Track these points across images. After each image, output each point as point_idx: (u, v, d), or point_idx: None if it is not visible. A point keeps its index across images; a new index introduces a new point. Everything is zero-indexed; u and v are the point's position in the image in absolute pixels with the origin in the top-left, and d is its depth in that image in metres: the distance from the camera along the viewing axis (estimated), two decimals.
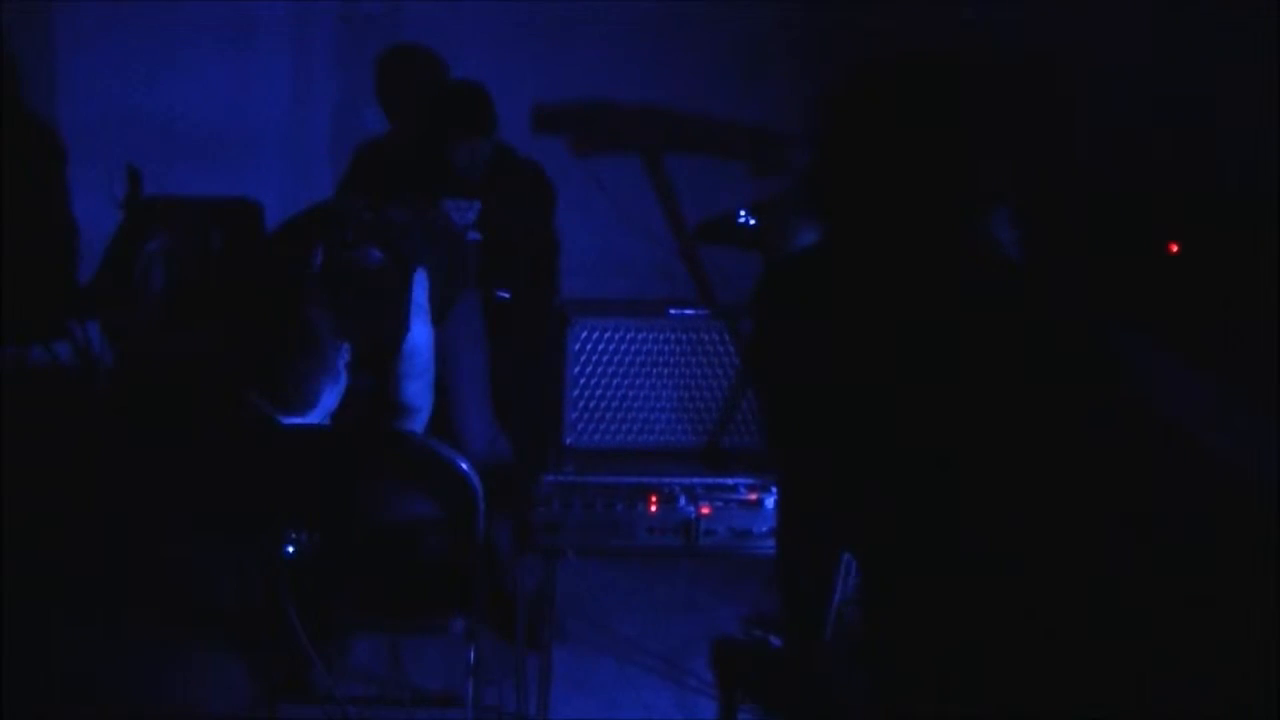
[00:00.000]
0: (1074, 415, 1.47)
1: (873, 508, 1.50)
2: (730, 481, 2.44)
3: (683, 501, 2.39)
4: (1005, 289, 1.48)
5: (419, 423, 2.63)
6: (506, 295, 3.67)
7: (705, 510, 2.36)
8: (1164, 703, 1.49)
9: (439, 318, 2.67)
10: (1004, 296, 1.48)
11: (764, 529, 2.35)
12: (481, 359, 2.93)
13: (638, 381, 3.66)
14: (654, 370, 3.68)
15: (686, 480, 2.46)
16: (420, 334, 2.58)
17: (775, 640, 1.86)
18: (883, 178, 1.48)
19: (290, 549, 2.39)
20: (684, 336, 3.70)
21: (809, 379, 1.52)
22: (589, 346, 3.65)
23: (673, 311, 3.76)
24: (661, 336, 3.69)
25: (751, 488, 2.41)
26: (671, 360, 3.69)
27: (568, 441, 3.64)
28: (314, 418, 2.36)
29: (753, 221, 3.95)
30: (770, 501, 2.37)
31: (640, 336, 3.68)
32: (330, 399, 2.38)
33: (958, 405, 1.43)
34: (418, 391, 2.61)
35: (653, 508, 2.38)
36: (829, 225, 1.55)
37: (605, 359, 3.66)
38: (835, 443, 1.51)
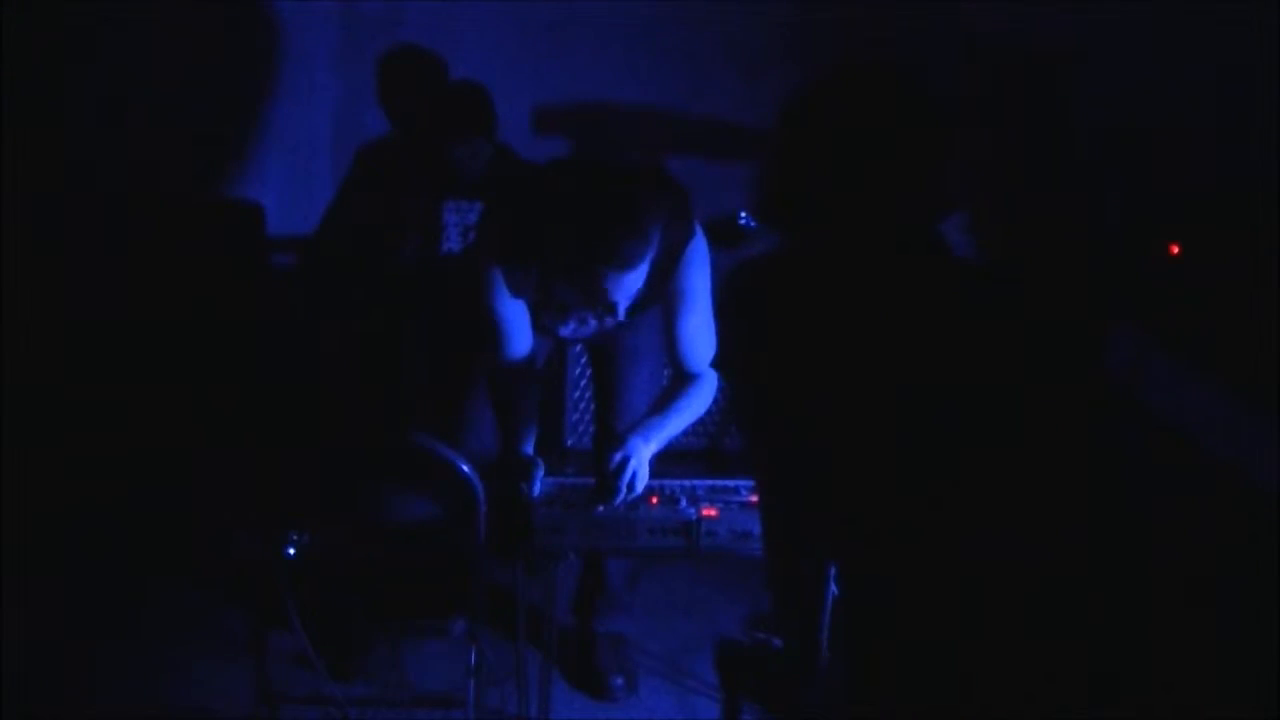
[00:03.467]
0: (1053, 413, 1.47)
1: (845, 506, 1.50)
2: (731, 483, 2.44)
3: (684, 503, 2.39)
4: (963, 290, 1.49)
5: None
6: None
7: (706, 512, 2.36)
8: (1164, 702, 1.49)
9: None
10: (963, 297, 1.48)
11: None
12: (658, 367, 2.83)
13: None
14: None
15: (688, 482, 2.46)
16: None
17: (777, 642, 1.86)
18: (832, 185, 1.49)
19: (291, 550, 2.39)
20: None
21: (778, 381, 1.52)
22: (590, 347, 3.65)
23: None
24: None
25: (753, 489, 2.41)
26: None
27: (568, 443, 3.63)
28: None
29: (753, 222, 3.95)
30: None
31: None
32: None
33: (920, 406, 1.44)
34: None
35: (653, 509, 2.38)
36: (784, 229, 1.55)
37: None
38: (807, 443, 1.51)
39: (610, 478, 2.40)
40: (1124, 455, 1.49)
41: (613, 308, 2.37)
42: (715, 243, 3.93)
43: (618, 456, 2.42)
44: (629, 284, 2.32)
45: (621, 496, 2.39)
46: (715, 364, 2.63)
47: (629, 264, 2.26)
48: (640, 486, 2.42)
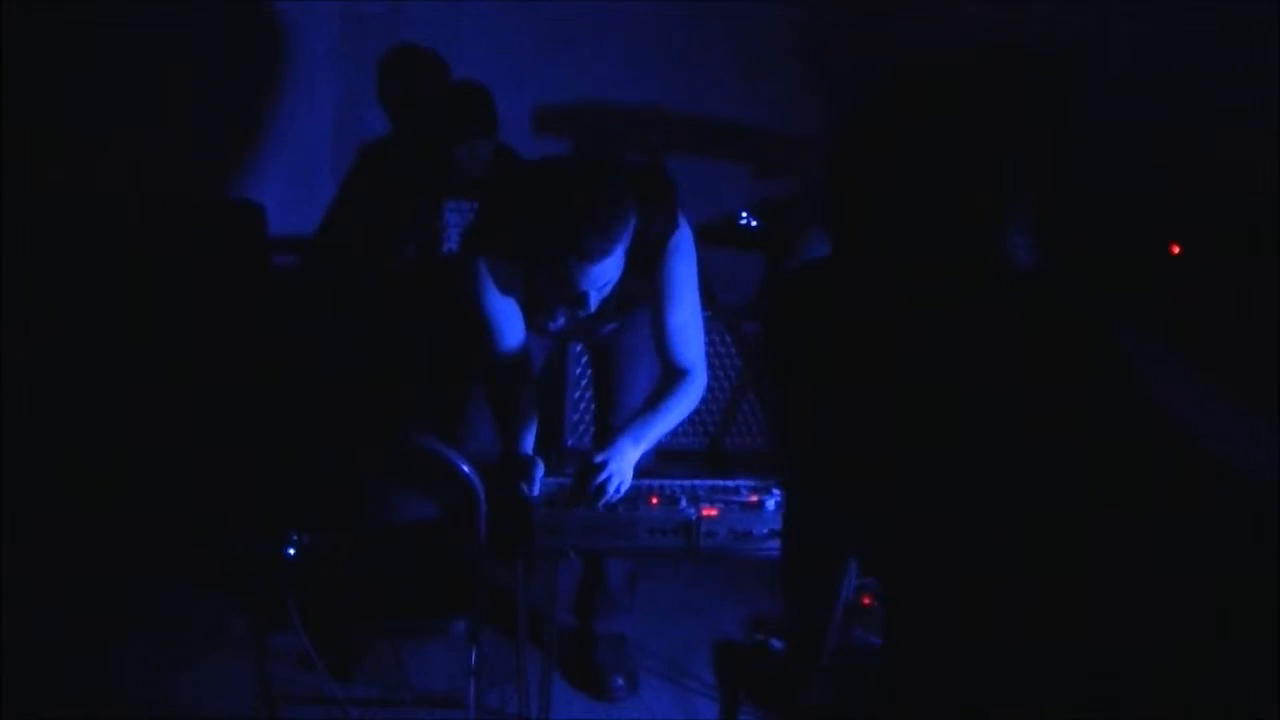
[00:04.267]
0: (1081, 418, 1.47)
1: (884, 510, 1.50)
2: (731, 483, 2.44)
3: (683, 503, 2.39)
4: (1016, 296, 1.49)
5: None
6: None
7: (706, 512, 2.36)
8: (1166, 703, 1.49)
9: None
10: (1014, 303, 1.48)
11: (764, 531, 2.35)
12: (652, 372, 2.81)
13: None
14: None
15: (687, 482, 2.46)
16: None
17: (777, 643, 1.87)
18: (897, 191, 1.48)
19: (291, 550, 2.39)
20: None
21: (826, 385, 1.52)
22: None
23: None
24: None
25: (753, 490, 2.41)
26: None
27: (568, 443, 3.63)
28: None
29: (754, 222, 3.95)
30: (771, 503, 2.37)
31: None
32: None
33: (967, 411, 1.44)
34: None
35: (653, 509, 2.38)
36: (841, 237, 1.55)
37: None
38: (853, 447, 1.51)
39: (583, 479, 2.40)
40: (1126, 455, 1.50)
41: (582, 299, 2.39)
42: (715, 243, 3.95)
43: (596, 459, 2.43)
44: (597, 275, 2.35)
45: (593, 498, 2.38)
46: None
47: (593, 255, 2.29)
48: (620, 489, 2.41)
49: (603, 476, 2.38)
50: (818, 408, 1.55)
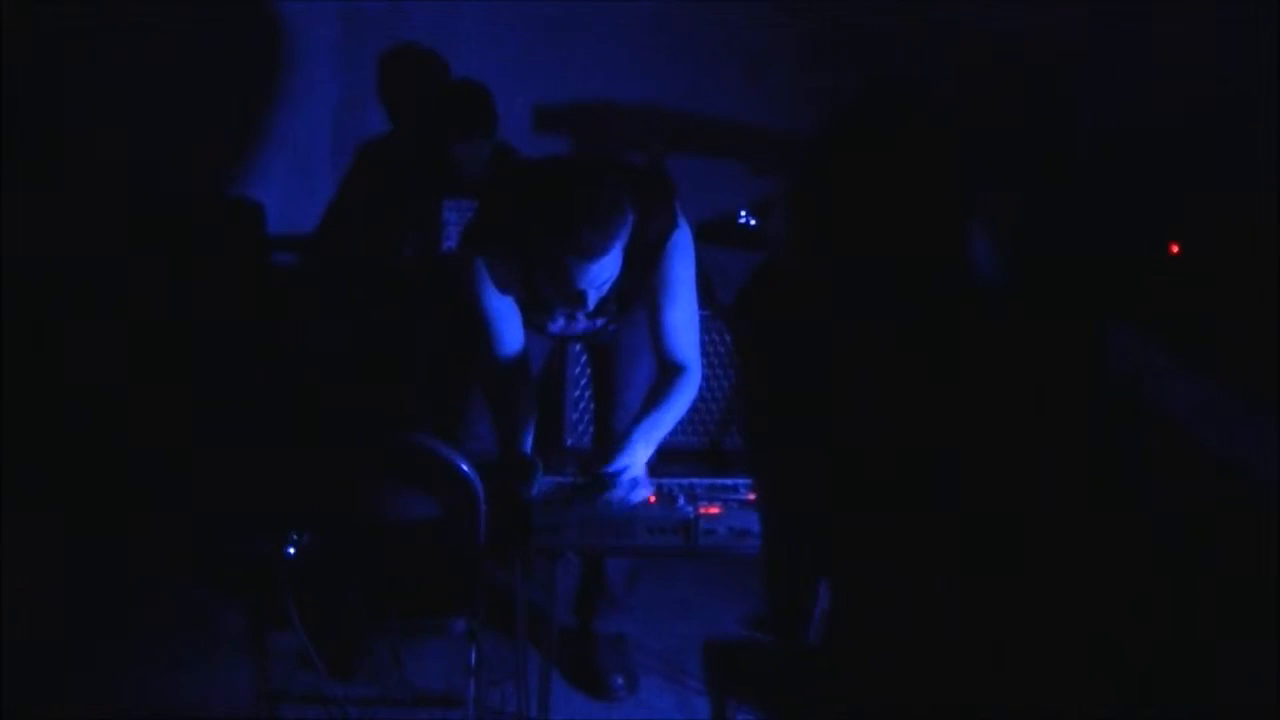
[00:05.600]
0: (1061, 418, 1.47)
1: (857, 512, 1.50)
2: (730, 482, 2.44)
3: (682, 501, 2.39)
4: (979, 302, 1.49)
5: None
6: None
7: (705, 510, 2.36)
8: (1163, 703, 1.49)
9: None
10: (978, 309, 1.48)
11: None
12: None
13: None
14: None
15: (686, 480, 2.46)
16: None
17: (765, 639, 1.87)
18: (860, 200, 1.49)
19: (291, 550, 2.40)
20: None
21: (794, 385, 1.52)
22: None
23: None
24: None
25: (751, 488, 2.41)
26: None
27: (568, 442, 3.64)
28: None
29: (753, 221, 3.96)
30: None
31: None
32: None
33: (938, 412, 1.44)
34: None
35: (652, 508, 2.38)
36: (803, 243, 1.56)
37: None
38: (822, 447, 1.51)
39: (603, 482, 2.40)
40: (1125, 456, 1.49)
41: (581, 298, 2.41)
42: (715, 242, 3.95)
43: (619, 462, 2.44)
44: (595, 274, 2.36)
45: (618, 499, 2.38)
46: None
47: (591, 254, 2.31)
48: (642, 492, 2.42)
49: (629, 476, 2.40)
50: (779, 409, 1.55)
